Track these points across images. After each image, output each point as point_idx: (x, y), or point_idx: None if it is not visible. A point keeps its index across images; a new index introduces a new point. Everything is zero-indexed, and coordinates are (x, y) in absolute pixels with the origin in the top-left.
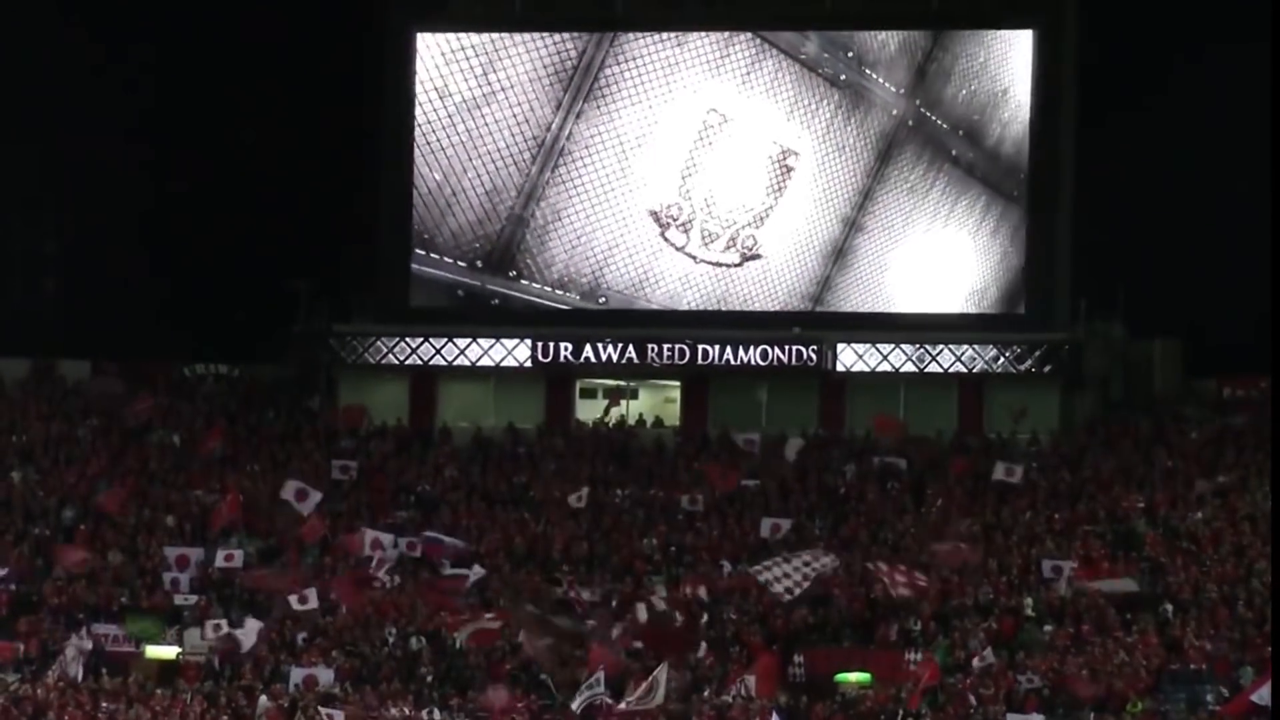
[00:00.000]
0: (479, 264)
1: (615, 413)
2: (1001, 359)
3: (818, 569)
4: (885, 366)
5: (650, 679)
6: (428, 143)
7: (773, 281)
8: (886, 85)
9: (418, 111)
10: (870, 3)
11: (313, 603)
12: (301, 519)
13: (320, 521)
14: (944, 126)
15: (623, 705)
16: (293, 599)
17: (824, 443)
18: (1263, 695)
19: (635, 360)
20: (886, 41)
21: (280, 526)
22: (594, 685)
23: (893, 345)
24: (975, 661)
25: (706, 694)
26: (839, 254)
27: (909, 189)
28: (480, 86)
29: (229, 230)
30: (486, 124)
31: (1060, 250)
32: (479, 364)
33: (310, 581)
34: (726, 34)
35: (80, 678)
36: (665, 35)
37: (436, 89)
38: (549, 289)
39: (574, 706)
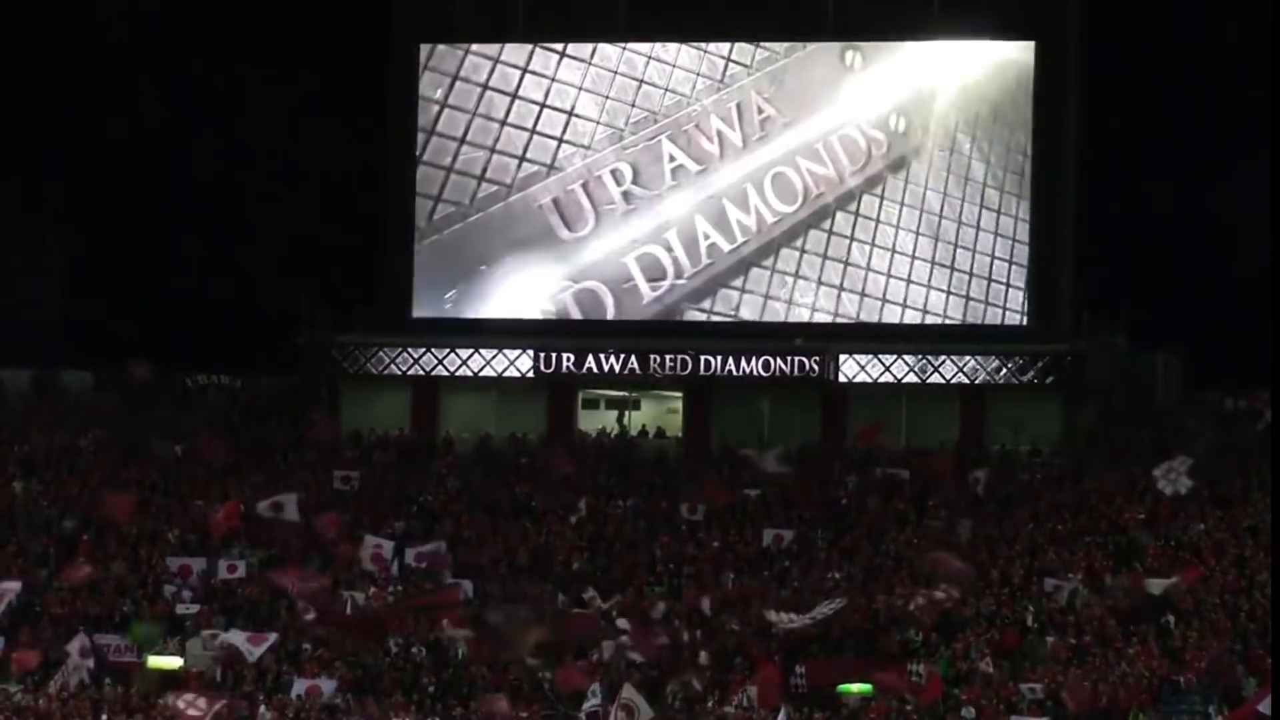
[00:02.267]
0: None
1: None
2: (1004, 370)
3: (826, 614)
4: (887, 377)
5: (622, 702)
6: None
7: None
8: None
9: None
10: (872, 13)
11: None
12: (305, 526)
13: (332, 523)
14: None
15: None
16: (300, 606)
17: (826, 454)
18: (1268, 705)
19: (637, 371)
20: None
21: (283, 536)
22: (593, 697)
23: (895, 356)
24: (977, 672)
25: (710, 704)
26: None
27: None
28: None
29: (231, 241)
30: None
31: (1063, 262)
32: (481, 374)
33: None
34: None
35: (84, 680)
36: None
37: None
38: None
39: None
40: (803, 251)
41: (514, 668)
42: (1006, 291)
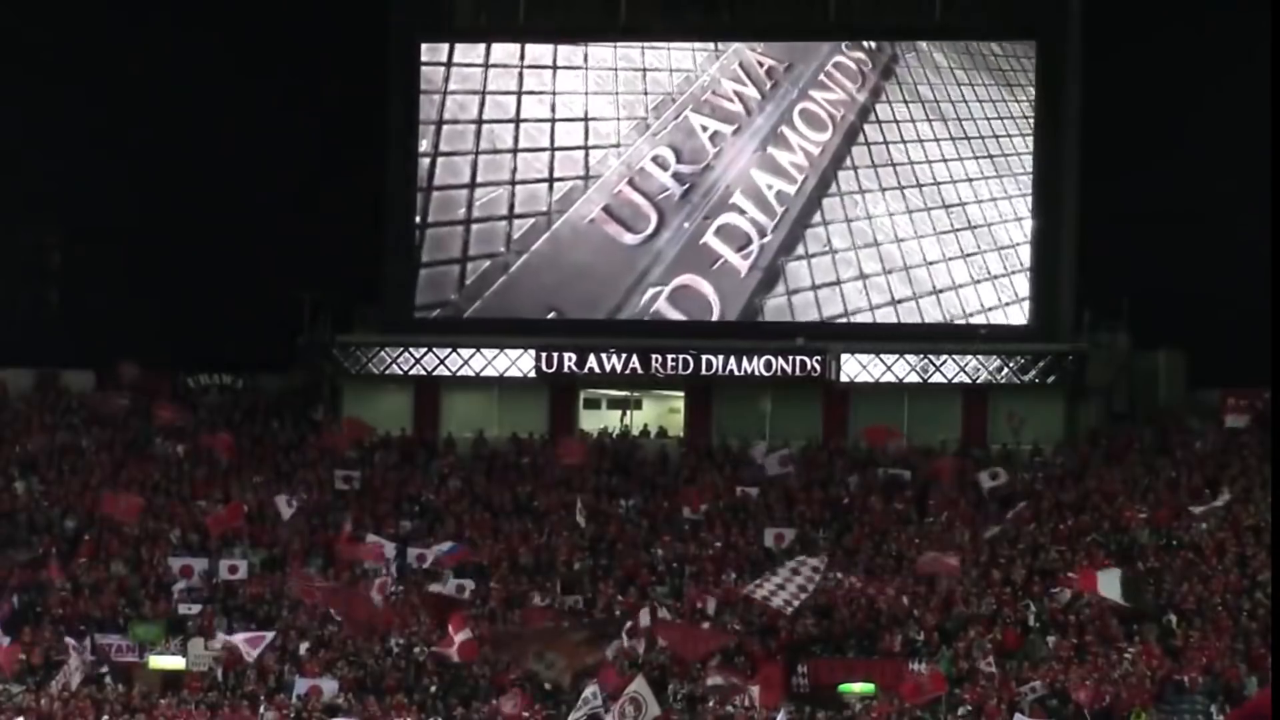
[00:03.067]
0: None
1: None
2: (1005, 369)
3: (810, 576)
4: (889, 377)
5: (631, 696)
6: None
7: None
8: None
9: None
10: (873, 13)
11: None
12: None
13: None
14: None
15: None
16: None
17: (828, 453)
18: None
19: (639, 371)
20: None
21: (285, 536)
22: (592, 699)
23: (896, 355)
24: (979, 671)
25: (711, 704)
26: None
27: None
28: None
29: (233, 241)
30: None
31: (1065, 261)
32: (483, 374)
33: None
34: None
35: (79, 681)
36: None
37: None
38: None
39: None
40: (854, 169)
41: (517, 668)
42: (1018, 159)
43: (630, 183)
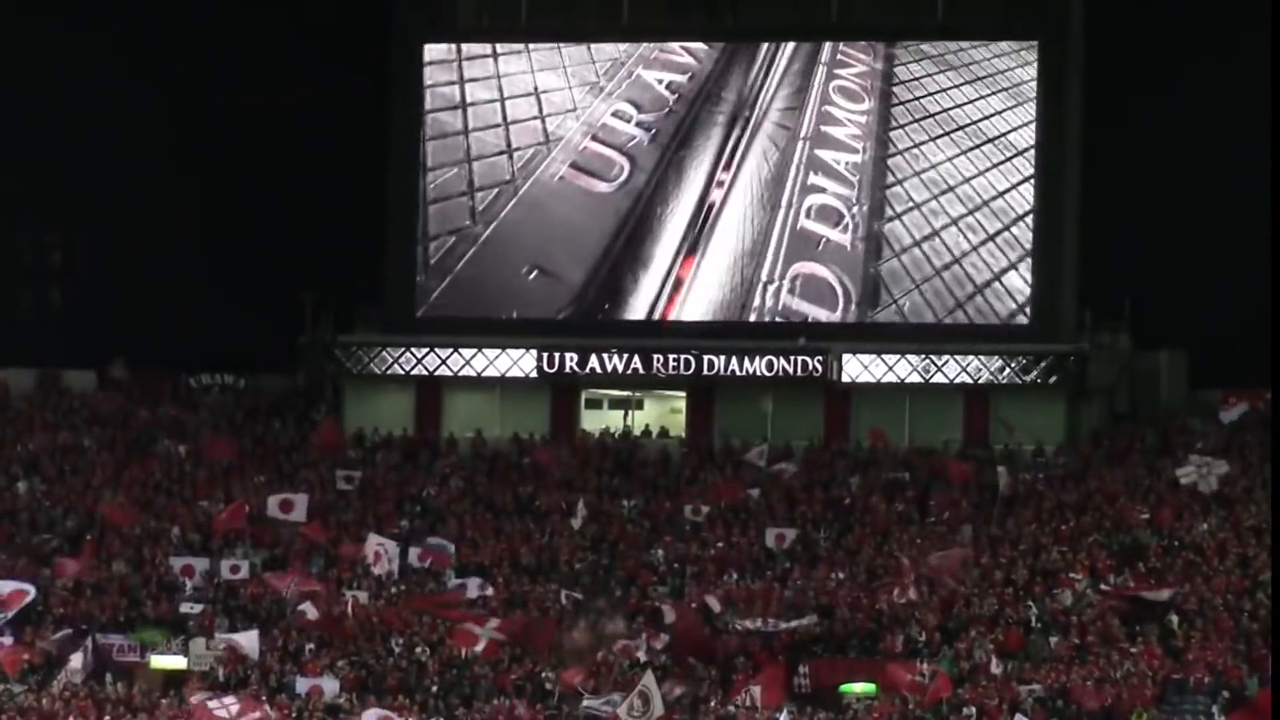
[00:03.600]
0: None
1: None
2: (1007, 370)
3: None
4: (890, 377)
5: (640, 690)
6: None
7: None
8: None
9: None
10: (874, 14)
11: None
12: (301, 526)
13: (320, 528)
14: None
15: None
16: (304, 607)
17: (830, 454)
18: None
19: (641, 371)
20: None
21: (286, 537)
22: (595, 697)
23: (898, 356)
24: (981, 672)
25: (713, 704)
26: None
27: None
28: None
29: (235, 241)
30: None
31: (1066, 261)
32: (484, 374)
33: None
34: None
35: (81, 679)
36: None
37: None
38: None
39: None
40: (902, 127)
41: (522, 666)
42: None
43: (594, 138)
